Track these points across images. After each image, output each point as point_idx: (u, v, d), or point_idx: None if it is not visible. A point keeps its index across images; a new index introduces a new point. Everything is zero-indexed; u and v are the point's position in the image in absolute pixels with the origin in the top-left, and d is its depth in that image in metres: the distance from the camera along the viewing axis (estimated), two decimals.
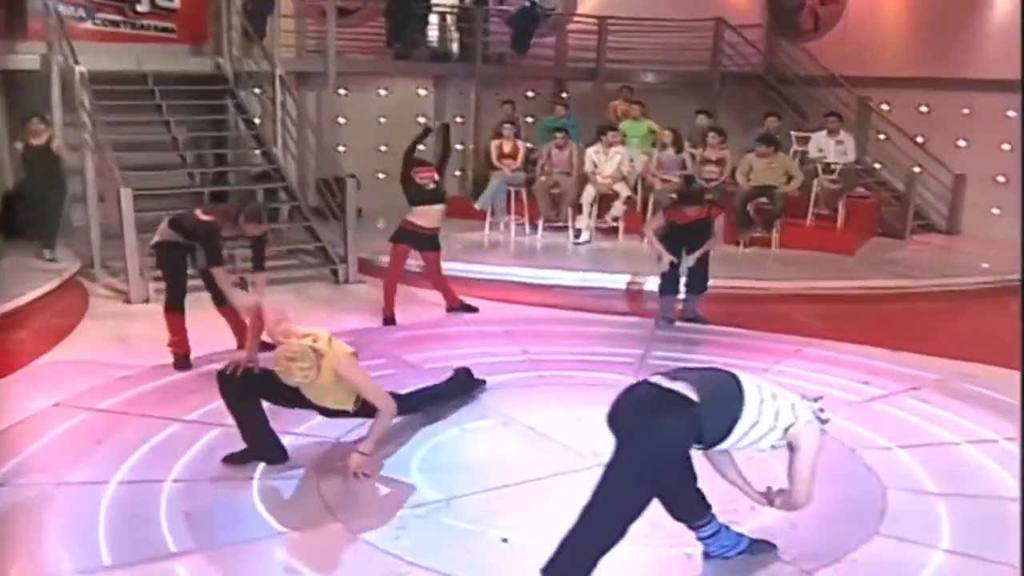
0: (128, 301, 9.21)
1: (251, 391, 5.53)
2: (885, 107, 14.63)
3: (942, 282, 11.18)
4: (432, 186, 8.68)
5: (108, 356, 7.54)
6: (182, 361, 7.23)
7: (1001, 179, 13.60)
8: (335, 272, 10.46)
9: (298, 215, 11.09)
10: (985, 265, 12.17)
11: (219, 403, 5.72)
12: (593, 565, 3.95)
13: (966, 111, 13.88)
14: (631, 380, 6.44)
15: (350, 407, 5.53)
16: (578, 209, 12.41)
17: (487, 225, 12.68)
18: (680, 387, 4.02)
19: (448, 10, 15.20)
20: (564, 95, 15.13)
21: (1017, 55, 12.97)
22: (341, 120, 14.16)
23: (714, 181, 12.42)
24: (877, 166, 14.46)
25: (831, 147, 12.74)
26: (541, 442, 6.08)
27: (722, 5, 16.07)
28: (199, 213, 7.26)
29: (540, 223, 12.66)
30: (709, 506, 4.41)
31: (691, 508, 4.38)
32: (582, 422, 6.07)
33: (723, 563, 4.49)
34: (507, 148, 12.84)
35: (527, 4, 14.81)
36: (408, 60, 14.44)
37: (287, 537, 4.84)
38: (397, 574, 4.45)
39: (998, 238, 13.15)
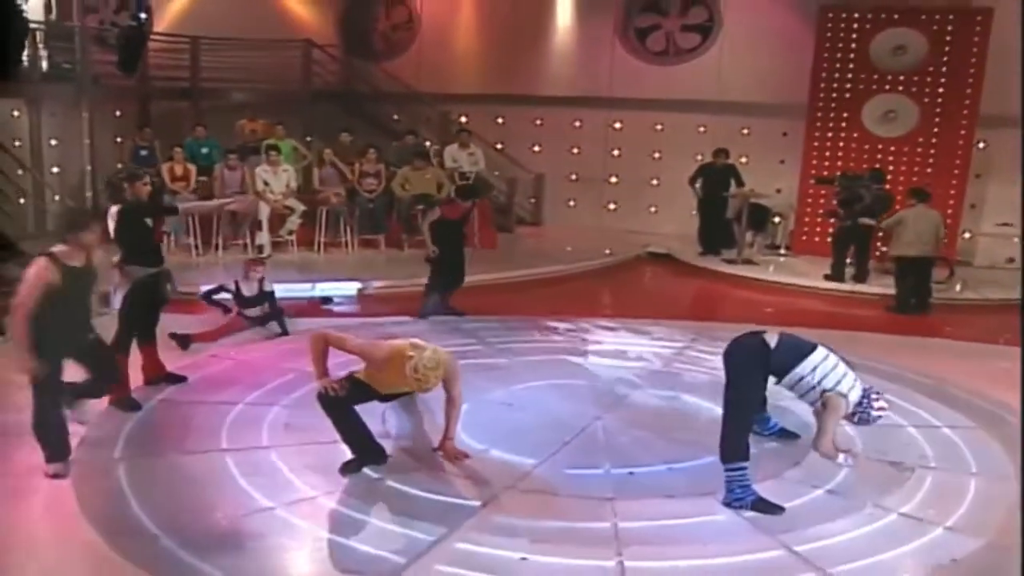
0: None
1: (348, 403, 5.88)
2: (464, 119, 16.64)
3: (585, 264, 13.59)
4: None
5: None
6: (130, 402, 6.90)
7: (573, 177, 16.45)
8: None
9: None
10: (569, 248, 14.73)
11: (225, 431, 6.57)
12: (747, 441, 5.62)
13: (538, 122, 16.48)
14: (503, 360, 8.42)
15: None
16: (257, 226, 12.62)
17: (166, 248, 12.27)
18: (770, 338, 5.70)
19: (37, 26, 13.93)
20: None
21: (580, 75, 15.98)
22: None
23: (374, 192, 13.45)
24: None
25: (464, 158, 14.47)
26: (546, 408, 7.24)
27: (302, 26, 16.88)
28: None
29: (220, 242, 12.59)
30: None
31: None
32: (538, 391, 7.64)
33: None
34: (179, 171, 12.59)
35: (132, 23, 14.19)
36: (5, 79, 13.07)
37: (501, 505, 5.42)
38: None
39: (574, 225, 16.04)
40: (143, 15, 13.62)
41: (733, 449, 5.59)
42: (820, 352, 5.74)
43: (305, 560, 4.97)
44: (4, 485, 5.64)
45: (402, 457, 6.21)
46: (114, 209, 7.35)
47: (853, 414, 5.76)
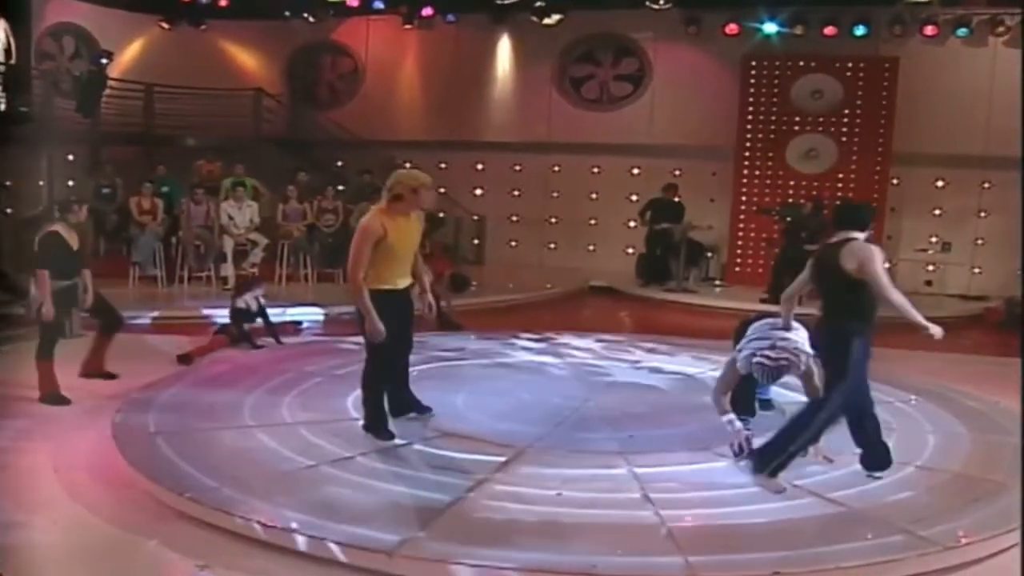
0: None
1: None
2: (407, 165, 17.28)
3: (529, 295, 14.30)
4: None
5: None
6: (57, 397, 7.45)
7: (514, 218, 17.23)
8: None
9: None
10: (511, 285, 15.38)
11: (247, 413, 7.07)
12: (749, 399, 6.60)
13: (480, 166, 17.28)
14: (486, 361, 9.06)
15: None
16: (223, 258, 13.03)
17: (132, 279, 12.62)
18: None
19: None
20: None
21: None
22: None
23: (332, 227, 14.01)
24: None
25: None
26: (538, 395, 7.84)
27: (252, 76, 17.47)
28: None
29: (186, 273, 12.95)
30: None
31: None
32: (527, 383, 8.26)
33: None
34: (146, 205, 12.98)
35: (93, 68, 14.65)
36: None
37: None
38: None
39: (516, 263, 16.73)
40: (104, 60, 14.12)
41: (740, 405, 6.39)
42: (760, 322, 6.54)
43: (364, 501, 5.42)
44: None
45: (415, 430, 6.72)
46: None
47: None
